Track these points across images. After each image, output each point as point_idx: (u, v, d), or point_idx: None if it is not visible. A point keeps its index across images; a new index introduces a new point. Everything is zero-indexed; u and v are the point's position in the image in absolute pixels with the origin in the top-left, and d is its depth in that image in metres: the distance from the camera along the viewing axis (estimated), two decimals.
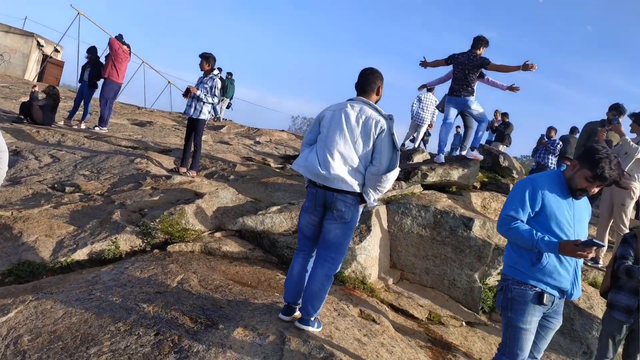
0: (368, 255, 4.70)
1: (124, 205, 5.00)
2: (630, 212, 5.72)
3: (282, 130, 14.22)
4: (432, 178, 6.47)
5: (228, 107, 16.11)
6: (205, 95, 6.32)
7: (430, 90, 10.27)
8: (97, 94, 9.16)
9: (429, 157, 8.14)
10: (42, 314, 2.95)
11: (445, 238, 5.20)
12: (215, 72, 6.49)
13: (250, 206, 5.49)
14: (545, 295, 2.60)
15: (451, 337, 4.21)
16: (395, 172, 3.03)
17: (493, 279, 5.14)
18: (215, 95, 6.41)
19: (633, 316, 3.59)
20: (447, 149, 8.80)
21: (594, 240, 2.36)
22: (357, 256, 4.62)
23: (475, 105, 6.66)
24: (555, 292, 2.65)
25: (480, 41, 6.58)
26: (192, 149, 6.47)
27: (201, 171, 6.79)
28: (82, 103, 9.39)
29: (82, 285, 3.40)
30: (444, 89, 7.03)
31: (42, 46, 19.73)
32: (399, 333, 3.82)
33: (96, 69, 9.04)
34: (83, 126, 9.03)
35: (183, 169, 6.35)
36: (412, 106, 10.73)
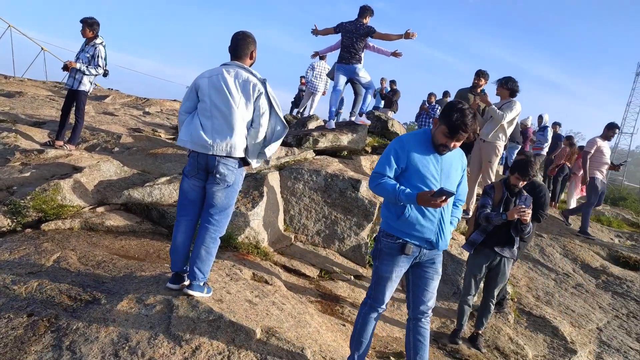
0: (261, 221, 4.79)
1: None
2: (496, 167, 6.43)
3: (174, 100, 13.52)
4: (323, 144, 6.68)
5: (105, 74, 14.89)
6: (87, 66, 5.79)
7: (322, 58, 10.45)
8: None
9: (322, 123, 8.35)
10: None
11: (335, 200, 5.46)
12: (99, 40, 5.92)
13: (138, 178, 5.24)
14: (407, 245, 2.76)
15: (339, 291, 4.50)
16: (277, 140, 3.11)
17: None
18: (99, 65, 5.88)
19: (490, 257, 4.13)
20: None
21: (444, 189, 2.53)
22: (250, 222, 4.68)
23: (363, 73, 6.94)
24: (421, 243, 2.77)
25: (366, 10, 6.81)
26: (73, 122, 5.94)
27: (80, 144, 6.30)
28: None
29: None
30: (336, 56, 7.18)
31: None
32: (291, 292, 3.99)
33: None
34: None
35: (59, 142, 5.83)
36: (306, 74, 10.85)
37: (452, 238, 5.89)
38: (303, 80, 13.49)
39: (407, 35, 6.57)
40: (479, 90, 6.45)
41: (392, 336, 4.06)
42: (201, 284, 3.11)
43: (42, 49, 17.62)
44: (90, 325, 2.63)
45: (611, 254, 7.31)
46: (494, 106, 5.93)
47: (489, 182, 6.05)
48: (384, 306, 2.90)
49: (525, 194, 4.21)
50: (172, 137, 7.86)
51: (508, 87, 5.91)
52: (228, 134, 3.00)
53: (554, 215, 9.06)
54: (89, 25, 5.82)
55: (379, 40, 6.78)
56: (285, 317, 3.30)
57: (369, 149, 8.57)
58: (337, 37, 7.20)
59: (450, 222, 2.90)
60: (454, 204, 2.97)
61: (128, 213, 4.63)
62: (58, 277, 3.11)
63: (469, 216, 6.22)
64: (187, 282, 3.16)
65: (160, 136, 7.77)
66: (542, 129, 10.20)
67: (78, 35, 5.89)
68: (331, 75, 7.75)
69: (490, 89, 7.78)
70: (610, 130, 7.75)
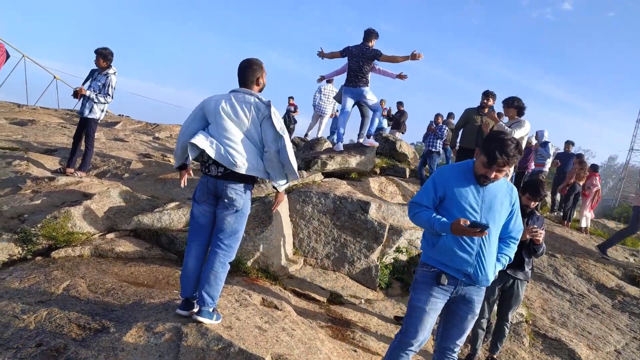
0: (270, 245, 4.76)
1: (0, 211, 4.54)
2: None
3: None
4: (331, 166, 6.69)
5: None
6: (97, 94, 5.90)
7: (329, 81, 10.57)
8: None
9: (331, 146, 8.39)
10: None
11: (344, 222, 5.43)
12: (112, 69, 6.05)
13: (147, 204, 5.27)
14: (442, 275, 2.67)
15: (350, 315, 4.43)
16: (289, 157, 3.10)
17: (390, 257, 5.48)
18: (109, 94, 5.99)
19: (503, 279, 4.05)
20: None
21: (476, 221, 2.52)
22: (259, 246, 4.66)
23: (370, 95, 7.00)
24: (457, 275, 2.66)
25: (371, 34, 6.92)
26: (83, 149, 6.03)
27: (91, 171, 6.36)
28: None
29: None
30: (342, 80, 7.27)
31: None
32: (301, 317, 3.94)
33: None
34: None
35: (70, 170, 5.90)
36: (314, 97, 10.96)
37: None
38: (292, 101, 13.62)
39: (413, 57, 6.63)
40: (486, 110, 6.46)
41: None
42: (210, 310, 3.08)
43: (54, 77, 18.00)
44: (99, 354, 2.61)
45: (627, 274, 7.16)
46: (502, 123, 5.90)
47: None
48: (415, 343, 2.71)
49: (538, 214, 4.16)
50: None
51: (515, 106, 5.90)
52: (242, 156, 3.04)
53: (565, 234, 8.92)
54: (103, 56, 5.97)
55: (386, 62, 6.85)
56: (296, 343, 3.25)
57: (377, 171, 8.57)
58: (343, 61, 7.31)
59: (498, 259, 2.77)
60: (505, 242, 2.84)
61: (137, 239, 4.64)
62: (67, 306, 3.10)
63: None
64: (196, 309, 3.14)
65: (169, 161, 7.84)
66: (543, 144, 10.15)
67: (90, 62, 6.04)
68: (338, 98, 7.83)
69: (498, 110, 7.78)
70: None
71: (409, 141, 17.67)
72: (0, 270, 3.71)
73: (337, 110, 10.95)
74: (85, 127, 6.02)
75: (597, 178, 10.09)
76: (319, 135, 10.89)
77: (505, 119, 6.19)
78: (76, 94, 5.89)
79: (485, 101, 6.49)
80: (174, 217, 4.88)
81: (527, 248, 3.96)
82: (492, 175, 2.65)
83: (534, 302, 5.86)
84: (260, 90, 3.24)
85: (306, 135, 11.79)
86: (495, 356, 4.23)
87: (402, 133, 12.53)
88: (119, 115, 15.29)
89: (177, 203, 5.14)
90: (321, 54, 7.25)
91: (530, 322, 5.30)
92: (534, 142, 10.25)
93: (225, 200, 3.04)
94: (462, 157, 6.52)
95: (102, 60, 5.96)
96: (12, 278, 3.45)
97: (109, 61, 6.00)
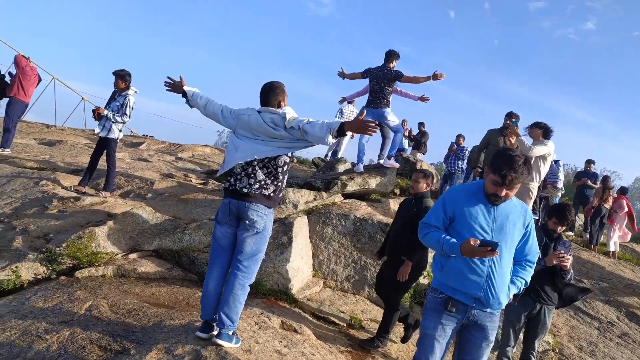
0: (290, 267, 4.74)
1: (27, 231, 4.65)
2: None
3: (206, 145, 13.89)
4: (351, 187, 6.67)
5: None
6: (114, 114, 6.07)
7: (350, 102, 10.64)
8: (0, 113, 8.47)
9: (351, 166, 8.39)
10: None
11: (364, 244, 5.38)
12: (131, 90, 6.23)
13: (169, 224, 5.32)
14: (450, 301, 2.60)
15: None
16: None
17: None
18: (126, 114, 6.16)
19: (529, 306, 3.93)
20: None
21: (485, 240, 2.45)
22: (278, 268, 4.65)
23: (391, 117, 7.00)
24: (467, 300, 2.58)
25: (392, 55, 6.95)
26: (106, 169, 6.19)
27: (115, 191, 6.49)
28: None
29: None
30: (363, 101, 7.30)
31: None
32: (321, 340, 3.89)
33: None
34: None
35: (80, 188, 6.07)
36: (335, 119, 11.02)
37: None
38: None
39: (435, 77, 6.60)
40: (508, 131, 6.38)
41: None
42: (230, 332, 3.06)
43: (82, 98, 18.55)
44: None
45: None
46: (522, 138, 5.78)
47: None
48: None
49: (564, 238, 4.05)
50: (203, 182, 8.01)
51: (541, 127, 5.80)
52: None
53: (592, 259, 8.65)
54: (121, 77, 6.16)
55: (408, 83, 6.86)
56: None
57: (397, 192, 8.51)
58: (364, 82, 7.34)
59: (513, 282, 2.67)
60: (521, 264, 2.74)
61: (159, 259, 4.68)
62: (89, 326, 3.12)
63: None
64: (216, 331, 3.12)
65: (191, 181, 7.94)
66: (554, 161, 9.96)
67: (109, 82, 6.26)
68: None
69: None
70: None
71: (429, 161, 17.57)
72: (26, 290, 3.79)
73: None
74: (104, 147, 6.18)
75: (625, 201, 9.81)
76: (339, 156, 10.91)
77: (531, 141, 6.10)
78: (95, 113, 6.07)
79: (508, 122, 6.42)
80: (194, 237, 4.92)
81: (555, 274, 3.84)
82: (503, 194, 2.58)
83: (560, 329, 5.66)
84: None
85: (326, 155, 11.82)
86: None
87: (423, 154, 12.46)
88: (143, 135, 15.62)
89: (197, 223, 5.18)
90: (342, 74, 7.29)
91: (557, 350, 5.11)
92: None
93: (247, 222, 3.05)
94: None
95: (120, 82, 6.16)
96: (37, 297, 3.51)
97: (126, 82, 6.19)
